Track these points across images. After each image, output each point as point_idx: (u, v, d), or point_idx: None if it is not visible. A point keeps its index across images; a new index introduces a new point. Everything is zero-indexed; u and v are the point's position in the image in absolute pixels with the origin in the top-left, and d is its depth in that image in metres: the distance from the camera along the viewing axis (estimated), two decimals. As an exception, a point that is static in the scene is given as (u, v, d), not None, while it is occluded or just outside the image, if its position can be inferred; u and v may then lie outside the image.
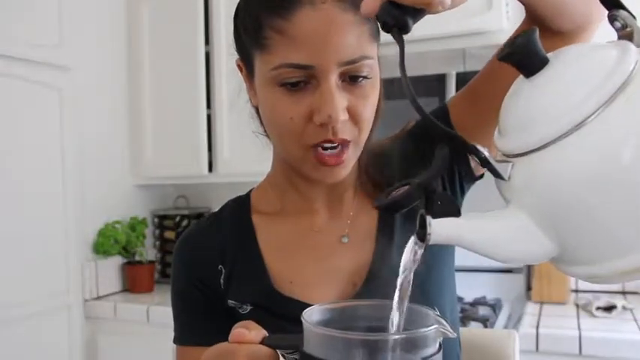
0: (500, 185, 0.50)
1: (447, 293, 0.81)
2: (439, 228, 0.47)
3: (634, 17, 0.48)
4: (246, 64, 0.76)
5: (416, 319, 0.52)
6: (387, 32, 0.50)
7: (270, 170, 0.86)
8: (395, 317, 0.51)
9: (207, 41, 2.38)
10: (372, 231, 0.80)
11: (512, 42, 0.47)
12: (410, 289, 0.51)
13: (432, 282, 0.79)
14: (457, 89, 1.97)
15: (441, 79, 2.01)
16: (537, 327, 1.69)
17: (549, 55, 0.49)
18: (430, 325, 0.48)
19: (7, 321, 2.01)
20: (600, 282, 0.48)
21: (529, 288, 2.13)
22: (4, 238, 2.01)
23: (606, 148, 0.43)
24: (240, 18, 0.75)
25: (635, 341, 1.58)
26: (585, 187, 0.43)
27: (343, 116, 0.68)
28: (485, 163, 0.48)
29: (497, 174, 0.48)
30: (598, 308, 1.82)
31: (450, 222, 0.48)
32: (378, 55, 0.75)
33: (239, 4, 0.76)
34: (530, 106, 0.47)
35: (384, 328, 0.52)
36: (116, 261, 2.47)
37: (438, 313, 0.53)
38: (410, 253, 0.50)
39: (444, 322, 0.49)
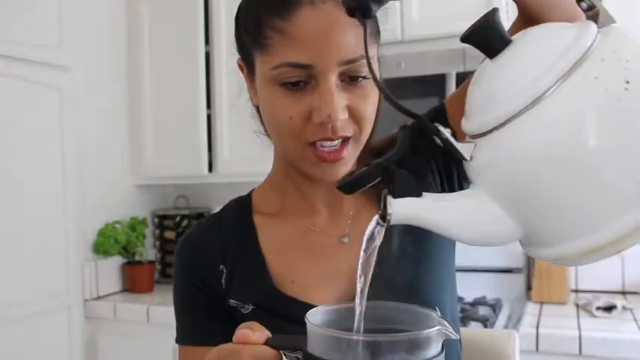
0: (466, 166, 0.50)
1: (447, 294, 0.81)
2: (400, 208, 0.47)
3: None
4: (247, 63, 0.76)
5: (419, 321, 0.53)
6: (352, 16, 0.51)
7: (271, 170, 0.87)
8: (357, 300, 0.51)
9: (207, 41, 2.38)
10: None
11: (473, 24, 0.48)
12: (372, 268, 0.51)
13: (431, 282, 0.79)
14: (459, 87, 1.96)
15: (440, 79, 2.01)
16: (537, 327, 1.69)
17: (515, 36, 0.49)
18: (433, 327, 0.48)
19: (7, 321, 2.02)
20: (566, 263, 0.48)
21: (529, 288, 2.13)
22: (4, 238, 2.01)
23: (561, 124, 0.43)
24: (241, 18, 0.75)
25: (635, 341, 1.58)
26: (542, 165, 0.43)
27: (343, 115, 0.68)
28: (446, 143, 0.48)
29: (459, 154, 0.48)
30: (598, 308, 1.82)
31: (412, 202, 0.48)
32: (378, 56, 0.75)
33: (240, 4, 0.76)
34: (491, 86, 0.48)
35: (386, 330, 0.52)
36: (116, 261, 2.47)
37: (440, 314, 0.53)
38: (371, 232, 0.50)
39: (447, 324, 0.49)
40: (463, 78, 1.99)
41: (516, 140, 0.44)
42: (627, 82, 0.42)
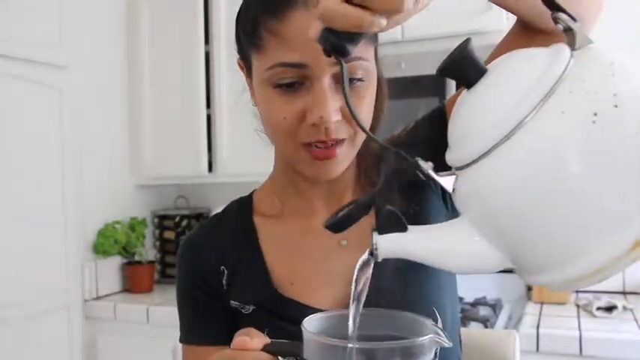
0: (452, 195, 0.51)
1: (447, 294, 0.81)
2: (386, 243, 0.49)
3: (574, 20, 0.49)
4: (246, 63, 0.77)
5: (414, 328, 0.54)
6: (328, 56, 0.51)
7: (272, 171, 0.87)
8: (350, 326, 0.53)
9: (207, 41, 2.38)
10: (371, 233, 0.80)
11: (447, 57, 0.48)
12: (364, 299, 0.53)
13: (430, 284, 0.78)
14: (457, 89, 1.97)
15: (441, 79, 2.01)
16: (538, 327, 1.69)
17: (490, 65, 0.49)
18: (426, 335, 0.49)
19: (7, 321, 2.01)
20: (558, 289, 0.48)
21: (529, 288, 2.13)
22: (4, 238, 2.01)
23: (534, 157, 0.43)
24: (241, 19, 0.76)
25: (636, 341, 1.58)
26: (517, 196, 0.43)
27: (336, 117, 0.68)
28: (428, 177, 0.49)
29: (442, 187, 0.50)
30: (598, 308, 1.82)
31: (397, 237, 0.49)
32: (376, 57, 0.75)
33: (241, 5, 0.77)
34: (466, 118, 0.48)
35: (381, 336, 0.53)
36: (116, 261, 2.47)
37: (434, 322, 0.54)
38: (360, 266, 0.52)
39: (441, 332, 0.50)
40: (463, 78, 1.99)
41: (492, 173, 0.45)
42: (595, 115, 0.42)
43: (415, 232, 0.50)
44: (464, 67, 0.48)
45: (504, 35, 0.79)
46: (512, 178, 0.43)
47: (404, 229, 0.49)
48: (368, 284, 0.52)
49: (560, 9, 0.49)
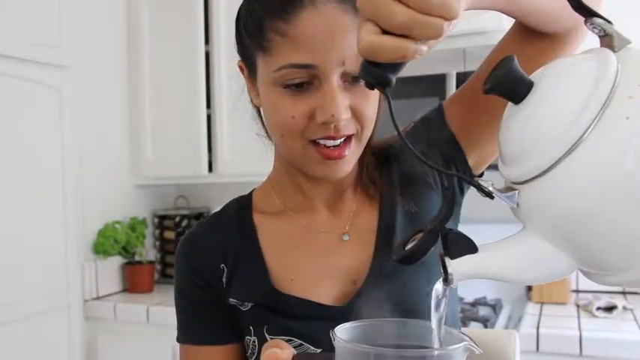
0: (513, 210, 0.51)
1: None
2: (460, 267, 0.49)
3: (610, 22, 0.48)
4: (248, 65, 0.77)
5: (444, 338, 0.53)
6: (371, 89, 0.50)
7: (271, 171, 0.87)
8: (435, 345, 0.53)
9: (207, 41, 2.38)
10: (372, 229, 0.80)
11: (493, 74, 0.48)
12: (443, 326, 0.53)
13: (429, 284, 0.78)
14: (457, 89, 1.96)
15: (441, 79, 2.01)
16: (538, 327, 1.69)
17: (533, 76, 0.49)
18: (455, 343, 0.50)
19: (7, 321, 2.01)
20: (634, 286, 0.49)
21: (529, 288, 2.13)
22: (4, 238, 2.01)
23: (601, 164, 0.43)
24: (242, 20, 0.75)
25: (636, 341, 1.58)
26: (593, 201, 0.44)
27: (346, 115, 0.69)
28: (490, 195, 0.49)
29: (507, 202, 0.50)
30: (598, 308, 1.82)
31: (469, 259, 0.50)
32: None
33: (241, 6, 0.76)
34: (524, 133, 0.48)
35: (410, 346, 0.53)
36: (116, 261, 2.47)
37: (463, 331, 0.53)
38: (437, 297, 0.52)
39: (470, 339, 0.50)
40: (463, 78, 1.99)
41: (561, 185, 0.45)
42: None
43: (485, 252, 0.50)
44: (513, 84, 0.48)
45: (503, 36, 0.80)
46: (583, 186, 0.44)
47: (475, 251, 0.50)
48: (446, 304, 0.53)
49: (594, 14, 0.49)
